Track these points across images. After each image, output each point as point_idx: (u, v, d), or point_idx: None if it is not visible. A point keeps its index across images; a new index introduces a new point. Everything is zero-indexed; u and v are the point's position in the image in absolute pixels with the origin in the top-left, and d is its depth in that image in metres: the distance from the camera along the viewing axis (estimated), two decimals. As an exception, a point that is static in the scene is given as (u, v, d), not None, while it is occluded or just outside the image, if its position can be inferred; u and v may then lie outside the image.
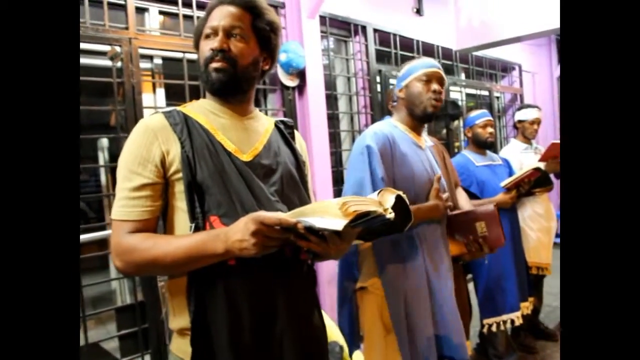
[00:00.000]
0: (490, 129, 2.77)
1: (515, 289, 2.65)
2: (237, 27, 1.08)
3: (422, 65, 1.74)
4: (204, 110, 1.11)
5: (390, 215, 0.92)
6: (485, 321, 2.67)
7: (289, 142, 1.22)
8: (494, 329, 2.63)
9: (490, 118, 2.81)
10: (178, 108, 1.10)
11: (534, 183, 2.67)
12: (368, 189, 1.55)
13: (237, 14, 1.09)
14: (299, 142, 1.28)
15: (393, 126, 1.75)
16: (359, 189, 1.59)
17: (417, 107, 1.71)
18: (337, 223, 0.84)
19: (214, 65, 1.07)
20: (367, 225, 0.94)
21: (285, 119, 1.28)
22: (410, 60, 1.83)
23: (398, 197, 1.00)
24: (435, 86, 1.70)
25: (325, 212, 0.87)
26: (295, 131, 1.29)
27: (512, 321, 2.64)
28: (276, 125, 1.23)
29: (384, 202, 0.95)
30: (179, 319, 1.05)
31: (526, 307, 2.75)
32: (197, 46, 1.14)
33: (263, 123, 1.20)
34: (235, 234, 0.89)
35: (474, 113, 2.83)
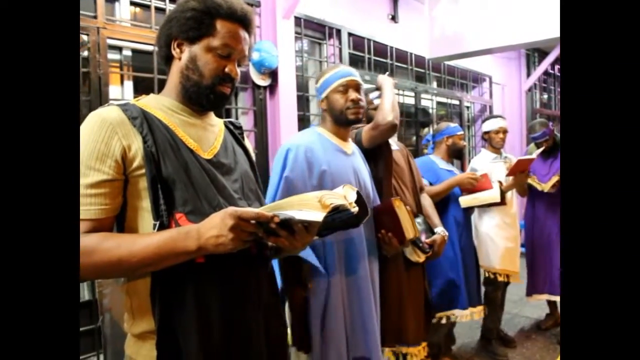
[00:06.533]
0: (463, 142, 2.98)
1: (465, 292, 2.73)
2: (244, 56, 1.09)
3: (337, 75, 1.76)
4: (161, 107, 1.06)
5: (355, 209, 0.95)
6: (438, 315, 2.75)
7: (240, 143, 1.22)
8: (443, 321, 2.72)
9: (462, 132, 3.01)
10: (132, 101, 1.04)
11: None
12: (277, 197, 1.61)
13: (247, 40, 1.09)
14: (247, 144, 1.27)
15: (317, 134, 1.78)
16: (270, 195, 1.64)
17: (339, 117, 1.75)
18: (317, 215, 0.87)
19: (223, 89, 1.06)
20: (336, 219, 0.96)
21: (233, 120, 1.27)
22: (325, 70, 1.84)
23: (358, 194, 1.03)
24: (352, 95, 1.73)
25: (303, 205, 0.89)
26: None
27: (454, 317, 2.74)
28: (226, 126, 1.22)
29: (347, 197, 0.98)
30: (139, 323, 1.00)
31: (477, 312, 2.82)
32: (189, 38, 1.04)
33: (216, 122, 1.18)
34: (210, 230, 0.87)
35: (453, 125, 2.95)
